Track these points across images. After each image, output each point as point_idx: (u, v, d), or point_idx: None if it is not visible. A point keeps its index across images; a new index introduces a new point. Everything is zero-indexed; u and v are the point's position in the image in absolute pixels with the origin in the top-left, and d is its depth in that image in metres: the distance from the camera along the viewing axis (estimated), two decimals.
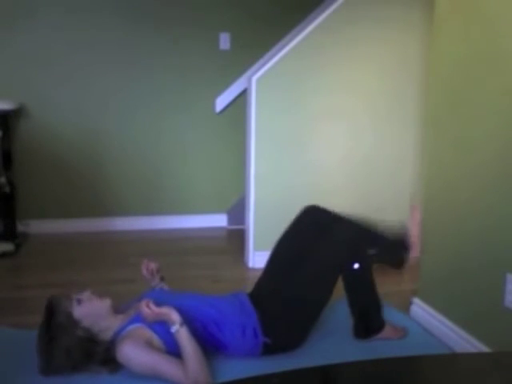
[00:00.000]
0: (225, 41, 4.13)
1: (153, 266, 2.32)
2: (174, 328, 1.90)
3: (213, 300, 2.13)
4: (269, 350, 2.10)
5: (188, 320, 1.95)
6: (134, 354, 1.88)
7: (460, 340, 2.32)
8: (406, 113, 3.48)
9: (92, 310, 1.98)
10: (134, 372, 1.90)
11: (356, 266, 2.21)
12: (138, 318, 1.99)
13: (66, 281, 3.10)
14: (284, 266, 2.28)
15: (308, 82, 3.31)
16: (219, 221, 4.33)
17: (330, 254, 2.21)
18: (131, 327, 1.98)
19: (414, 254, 2.63)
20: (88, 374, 1.95)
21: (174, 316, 1.91)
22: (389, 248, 2.35)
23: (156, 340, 1.95)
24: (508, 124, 2.05)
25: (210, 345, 2.03)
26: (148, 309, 1.91)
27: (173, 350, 1.93)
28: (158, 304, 1.94)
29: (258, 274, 2.35)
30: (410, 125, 3.49)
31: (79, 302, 1.98)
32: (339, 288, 2.25)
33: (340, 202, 3.44)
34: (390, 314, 2.45)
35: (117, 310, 2.10)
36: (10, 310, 2.69)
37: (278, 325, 2.12)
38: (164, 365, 1.87)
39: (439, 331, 2.45)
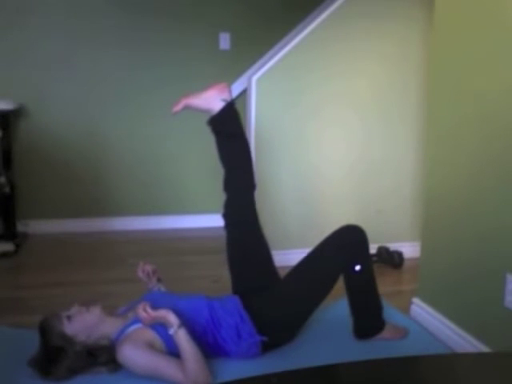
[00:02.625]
0: (225, 41, 4.13)
1: (148, 268, 2.32)
2: (172, 330, 1.90)
3: (209, 302, 2.13)
4: (268, 347, 2.10)
5: (186, 322, 1.95)
6: (134, 355, 1.88)
7: (460, 340, 2.32)
8: (409, 110, 3.47)
9: (84, 323, 1.98)
10: (134, 373, 1.90)
11: (358, 267, 2.21)
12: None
13: (66, 280, 3.10)
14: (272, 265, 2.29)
15: (308, 82, 3.30)
16: (219, 221, 4.30)
17: (332, 256, 2.21)
18: (133, 328, 1.98)
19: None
20: (88, 374, 1.96)
21: (172, 318, 1.91)
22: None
23: (158, 340, 1.95)
24: (510, 123, 2.05)
25: (210, 348, 2.03)
26: (145, 312, 1.92)
27: (174, 350, 1.93)
28: (156, 307, 1.94)
29: None
30: (412, 123, 3.49)
31: (69, 318, 1.97)
32: (339, 288, 2.25)
33: (341, 202, 3.46)
34: (390, 313, 2.45)
35: (113, 312, 2.10)
36: (10, 310, 2.68)
37: (274, 323, 2.12)
38: (164, 366, 1.87)
39: (439, 331, 2.45)
